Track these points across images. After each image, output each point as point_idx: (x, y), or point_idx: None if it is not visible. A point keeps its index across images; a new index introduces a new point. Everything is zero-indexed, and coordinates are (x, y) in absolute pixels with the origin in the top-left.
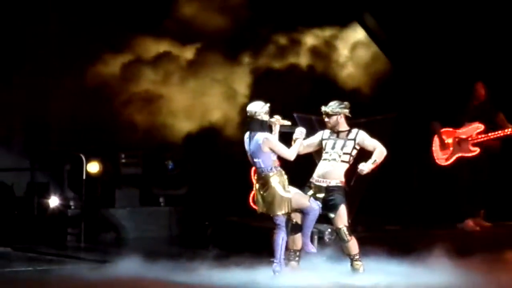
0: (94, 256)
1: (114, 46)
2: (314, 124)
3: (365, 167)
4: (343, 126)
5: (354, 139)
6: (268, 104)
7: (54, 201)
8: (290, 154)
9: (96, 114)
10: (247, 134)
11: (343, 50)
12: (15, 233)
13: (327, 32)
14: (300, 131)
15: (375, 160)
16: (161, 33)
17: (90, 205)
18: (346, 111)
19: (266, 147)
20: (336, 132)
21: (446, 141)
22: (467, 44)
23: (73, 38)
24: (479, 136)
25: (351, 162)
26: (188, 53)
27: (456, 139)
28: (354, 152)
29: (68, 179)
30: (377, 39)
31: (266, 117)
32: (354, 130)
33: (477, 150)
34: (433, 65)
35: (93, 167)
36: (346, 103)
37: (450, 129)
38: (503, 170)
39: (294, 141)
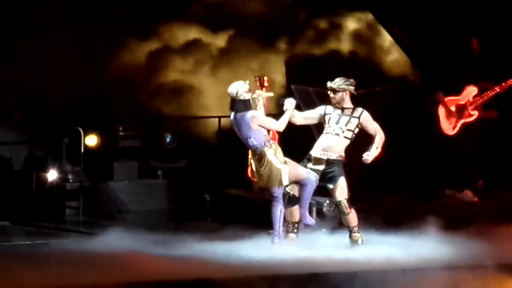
0: (92, 229)
1: (139, 32)
2: (312, 96)
3: (370, 156)
4: (348, 103)
5: (359, 118)
6: (248, 82)
7: (52, 175)
8: (279, 125)
9: (94, 87)
10: (232, 115)
11: (387, 35)
12: (14, 207)
13: (370, 16)
14: (289, 102)
15: (377, 147)
16: (190, 19)
17: (89, 178)
18: (352, 88)
19: (255, 124)
20: (340, 108)
21: (451, 109)
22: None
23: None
24: (475, 99)
25: (352, 139)
26: (220, 41)
27: (458, 106)
28: (357, 130)
29: (66, 153)
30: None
31: (248, 96)
32: (359, 109)
33: (476, 113)
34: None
35: (91, 140)
36: (351, 80)
37: (452, 97)
38: (501, 141)
39: (285, 111)
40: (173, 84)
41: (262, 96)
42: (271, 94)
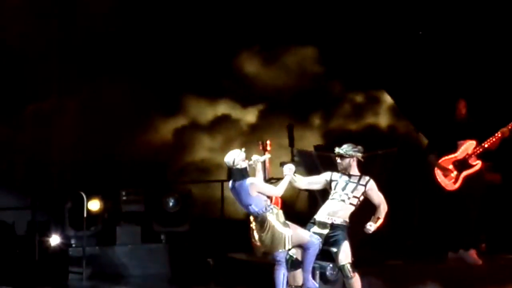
0: None
1: (165, 108)
2: (314, 160)
3: (372, 227)
4: (354, 170)
5: (365, 186)
6: (244, 149)
7: (55, 240)
8: (278, 191)
9: (97, 152)
10: (230, 184)
11: None
12: (17, 272)
13: None
14: (288, 168)
15: (378, 218)
16: (219, 94)
17: (92, 243)
18: (359, 155)
19: (254, 191)
20: (347, 174)
21: (447, 169)
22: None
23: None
24: (475, 150)
25: (357, 206)
26: (250, 116)
27: (456, 163)
28: (362, 198)
29: (69, 217)
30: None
31: (245, 164)
32: (366, 177)
33: (478, 162)
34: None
35: (94, 204)
36: (359, 147)
37: (447, 157)
38: (504, 204)
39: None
40: (201, 162)
41: (260, 161)
42: (267, 156)
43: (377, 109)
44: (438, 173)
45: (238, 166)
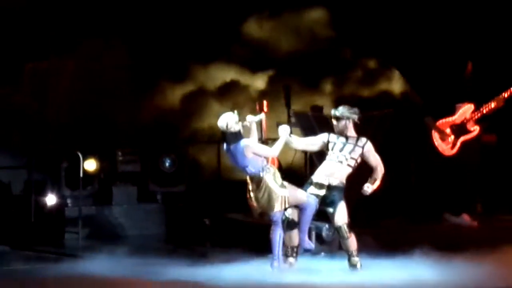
0: (91, 253)
1: (173, 74)
2: (311, 121)
3: (369, 188)
4: (351, 131)
5: (362, 147)
6: (236, 111)
7: (51, 199)
8: (273, 152)
9: (94, 112)
10: (225, 147)
11: None
12: (13, 231)
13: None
14: (283, 129)
15: (375, 180)
16: (227, 59)
17: (88, 203)
18: (355, 116)
19: (250, 153)
20: (344, 136)
21: (445, 132)
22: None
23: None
24: (473, 115)
25: (354, 168)
26: (260, 82)
27: (453, 127)
28: (359, 160)
29: (65, 177)
30: None
31: (238, 126)
32: (364, 139)
33: (476, 128)
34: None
35: (91, 164)
36: (355, 109)
37: (444, 120)
38: (500, 165)
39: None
40: (210, 129)
41: (254, 121)
42: (261, 116)
43: (390, 75)
44: (436, 137)
45: (232, 130)
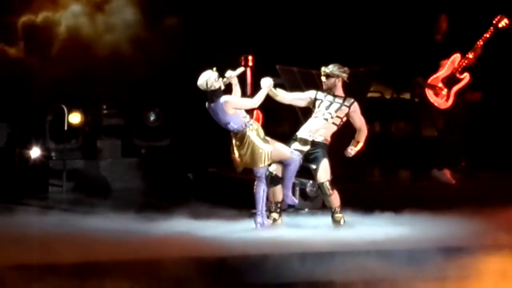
0: (75, 207)
1: None
2: (296, 76)
3: (353, 151)
4: (339, 90)
5: (349, 107)
6: (215, 68)
7: (35, 152)
8: (254, 102)
9: (78, 65)
10: (206, 105)
11: None
12: None
13: None
14: (266, 81)
15: (358, 142)
16: None
17: (72, 157)
18: (345, 75)
19: (230, 108)
20: (332, 94)
21: (437, 87)
22: None
23: None
24: (461, 63)
25: (339, 127)
26: None
27: (444, 80)
28: (345, 119)
29: (50, 130)
30: None
31: (218, 84)
32: (351, 99)
33: (466, 75)
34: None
35: (75, 118)
36: (346, 68)
37: (435, 75)
38: (484, 122)
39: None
40: None
41: (234, 76)
42: (241, 69)
43: None
44: (430, 93)
45: (212, 88)
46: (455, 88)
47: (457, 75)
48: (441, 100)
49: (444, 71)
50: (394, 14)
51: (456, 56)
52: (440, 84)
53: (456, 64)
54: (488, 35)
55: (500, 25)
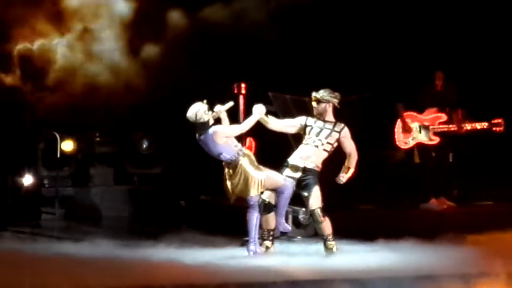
0: (68, 234)
1: None
2: (289, 103)
3: (344, 178)
4: (330, 116)
5: (339, 132)
6: (205, 101)
7: (28, 180)
8: (242, 128)
9: (71, 93)
10: (197, 137)
11: None
12: None
13: None
14: (260, 107)
15: (349, 168)
16: None
17: (64, 184)
18: (336, 101)
19: (220, 138)
20: (322, 120)
21: (409, 125)
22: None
23: None
24: (440, 126)
25: (330, 152)
26: None
27: (419, 125)
28: (336, 145)
29: (42, 158)
30: None
31: (207, 116)
32: (340, 124)
33: (437, 139)
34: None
35: (68, 145)
36: (337, 93)
37: (414, 114)
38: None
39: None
40: None
41: (223, 110)
42: (230, 104)
43: None
44: (398, 125)
45: (201, 120)
46: (419, 140)
47: (431, 132)
48: (402, 138)
49: (425, 118)
50: (385, 42)
51: (442, 116)
52: (413, 125)
53: (436, 123)
54: (478, 128)
55: (494, 129)
